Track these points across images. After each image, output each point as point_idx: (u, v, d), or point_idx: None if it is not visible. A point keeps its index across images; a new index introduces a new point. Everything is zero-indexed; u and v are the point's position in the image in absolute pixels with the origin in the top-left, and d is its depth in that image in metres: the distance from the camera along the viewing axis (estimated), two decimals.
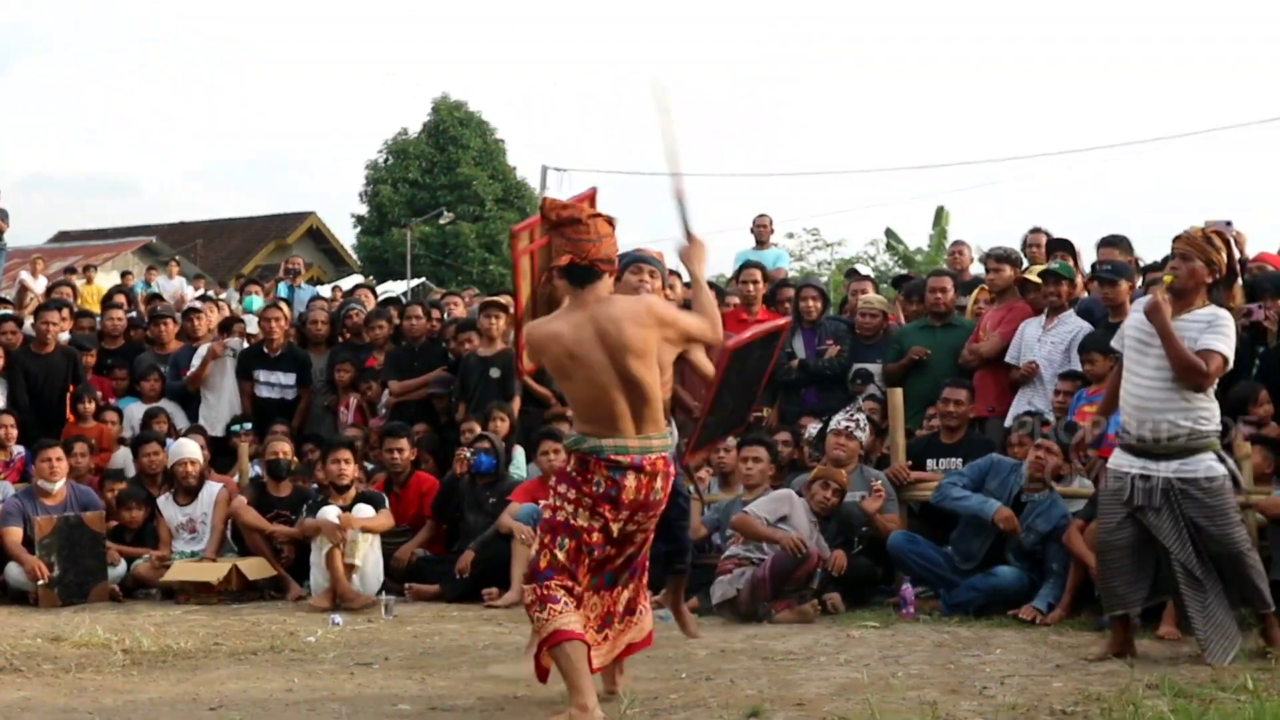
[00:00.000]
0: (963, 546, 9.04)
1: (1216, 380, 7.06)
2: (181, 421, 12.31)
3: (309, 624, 8.87)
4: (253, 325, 13.57)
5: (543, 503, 6.09)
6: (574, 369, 5.68)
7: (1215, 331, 6.95)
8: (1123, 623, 7.19)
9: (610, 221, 5.82)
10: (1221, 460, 7.02)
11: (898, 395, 9.97)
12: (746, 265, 12.08)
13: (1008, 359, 10.25)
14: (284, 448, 10.97)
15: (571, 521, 5.77)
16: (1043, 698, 6.25)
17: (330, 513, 9.83)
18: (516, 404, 11.27)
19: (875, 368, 10.99)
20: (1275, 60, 73.20)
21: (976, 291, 11.40)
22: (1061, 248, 11.17)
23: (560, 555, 5.76)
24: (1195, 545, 6.92)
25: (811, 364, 11.12)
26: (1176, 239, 7.17)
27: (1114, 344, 7.42)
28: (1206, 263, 6.99)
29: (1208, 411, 7.00)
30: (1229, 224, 11.87)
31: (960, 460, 9.63)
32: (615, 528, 5.76)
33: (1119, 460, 7.12)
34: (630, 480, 5.68)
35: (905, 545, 9.05)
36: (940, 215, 31.64)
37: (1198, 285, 7.02)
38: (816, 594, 8.84)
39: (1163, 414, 6.93)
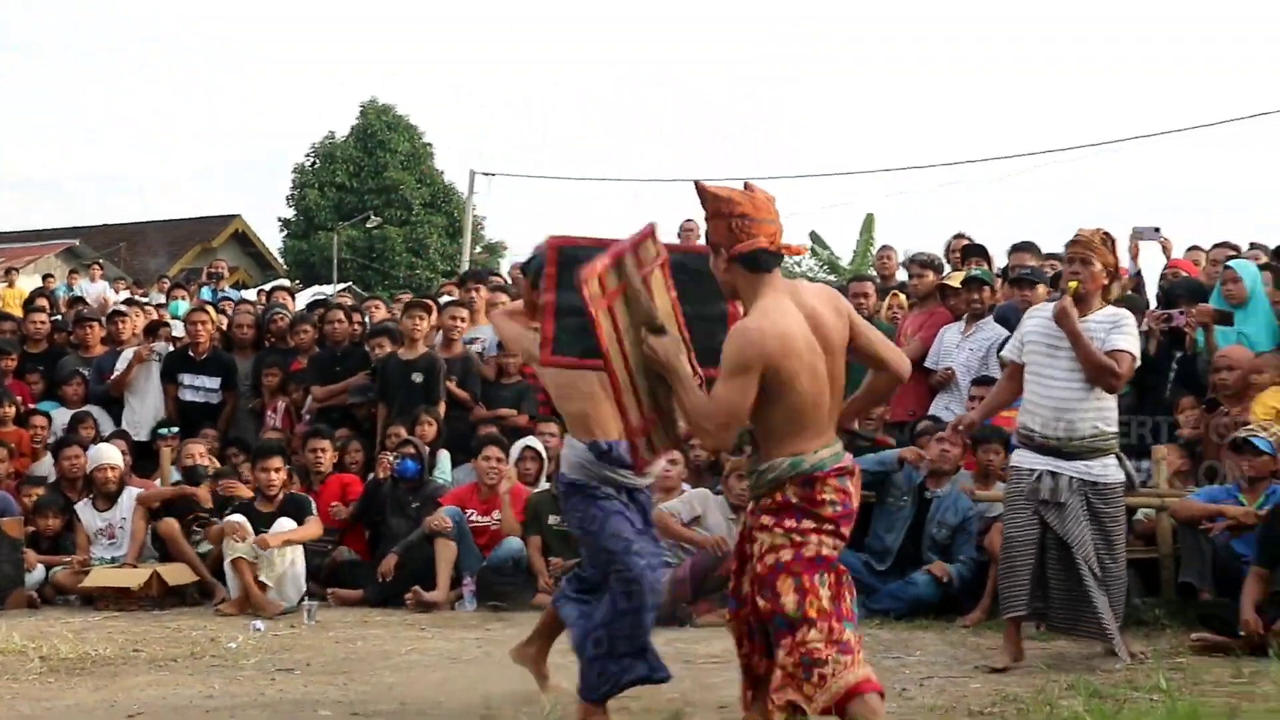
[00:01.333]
0: (877, 544, 9.15)
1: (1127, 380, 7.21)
2: (107, 426, 12.18)
3: (230, 630, 8.81)
4: (178, 328, 13.45)
5: (763, 545, 4.91)
6: (799, 371, 4.80)
7: (1121, 331, 7.07)
8: (1018, 625, 7.21)
9: (769, 196, 5.04)
10: (1121, 464, 7.17)
11: None
12: None
13: (927, 364, 10.34)
14: (199, 451, 10.87)
15: (824, 553, 4.87)
16: (961, 699, 6.34)
17: (237, 518, 9.78)
18: (442, 409, 11.23)
19: None
20: (1191, 69, 74.23)
21: (889, 297, 11.49)
22: (977, 253, 11.30)
23: (825, 596, 4.82)
24: (1088, 542, 7.03)
25: None
26: (1073, 243, 7.23)
27: (1007, 353, 7.50)
28: (1104, 265, 7.11)
29: (1112, 413, 7.13)
30: (1157, 230, 12.11)
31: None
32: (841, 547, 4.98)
33: (1025, 459, 7.18)
34: (851, 485, 4.92)
35: None
36: (869, 222, 31.85)
37: (1098, 287, 7.14)
38: None
39: (1078, 414, 7.02)
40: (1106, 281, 7.18)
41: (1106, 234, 7.20)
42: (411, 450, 10.48)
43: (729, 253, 4.87)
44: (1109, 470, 7.08)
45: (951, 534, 8.91)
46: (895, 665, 7.23)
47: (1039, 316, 7.31)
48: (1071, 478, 7.01)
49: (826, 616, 4.77)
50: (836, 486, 4.85)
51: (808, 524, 4.83)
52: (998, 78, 77.03)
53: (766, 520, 4.88)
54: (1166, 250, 11.94)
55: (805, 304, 4.88)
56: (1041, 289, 10.25)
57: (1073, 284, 7.10)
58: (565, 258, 5.53)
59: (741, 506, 9.24)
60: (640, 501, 6.17)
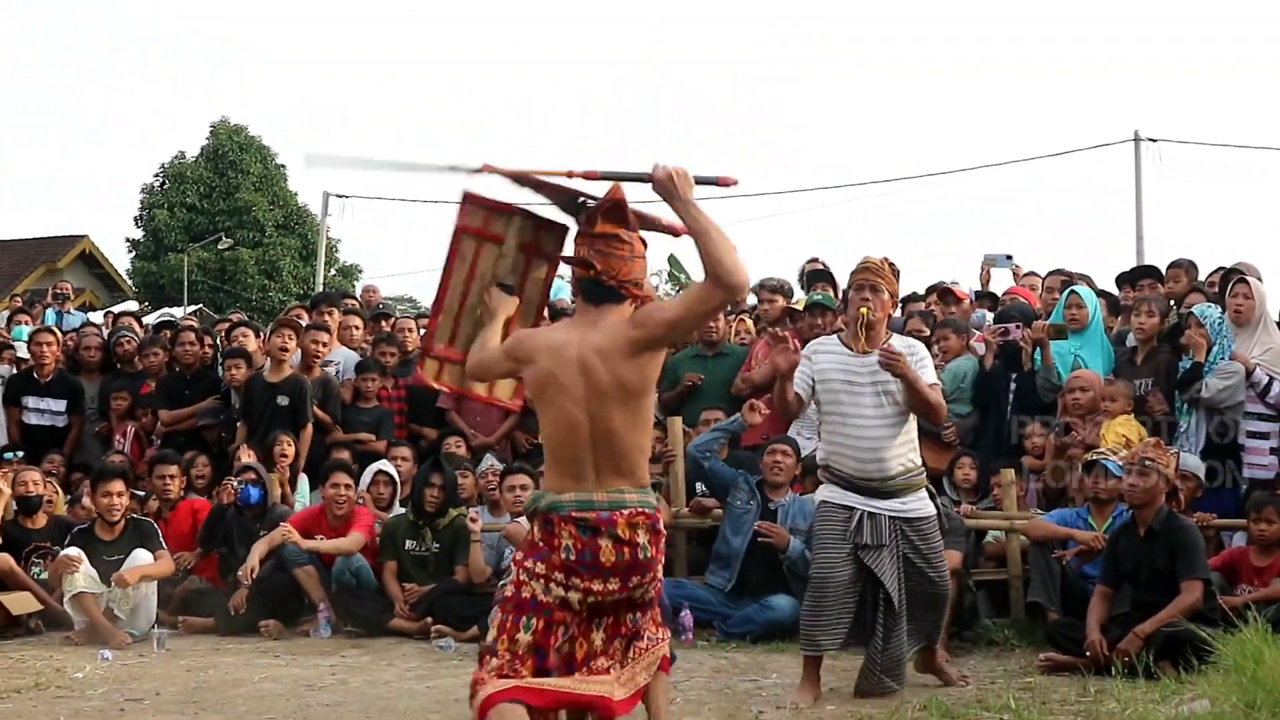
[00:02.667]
0: (723, 549, 9.25)
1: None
2: None
3: (76, 659, 8.59)
4: (22, 350, 13.13)
5: (502, 582, 4.91)
6: (553, 395, 4.73)
7: (925, 364, 6.96)
8: (816, 663, 7.01)
9: (645, 243, 4.92)
10: (932, 498, 7.08)
11: (677, 423, 10.15)
12: None
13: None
14: (33, 478, 10.53)
15: (541, 598, 4.67)
16: None
17: (71, 552, 9.54)
18: (309, 432, 11.07)
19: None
20: (1051, 98, 76.11)
21: (736, 322, 11.62)
22: (822, 279, 11.47)
23: (524, 639, 4.64)
24: (900, 582, 6.91)
25: None
26: (861, 270, 7.01)
27: (798, 386, 7.02)
28: (891, 292, 7.04)
29: (915, 447, 7.02)
30: (1009, 257, 12.40)
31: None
32: (601, 587, 4.68)
33: (836, 495, 6.98)
34: (605, 542, 4.62)
35: (673, 592, 9.10)
36: (676, 263, 32.08)
37: (886, 315, 7.03)
38: None
39: (889, 452, 6.85)
40: (892, 310, 7.14)
41: (891, 262, 7.14)
42: (253, 476, 10.30)
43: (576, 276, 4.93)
44: (923, 504, 6.96)
45: (807, 537, 8.98)
46: (751, 688, 7.29)
47: (830, 353, 7.06)
48: (890, 517, 6.87)
49: (515, 660, 4.62)
50: (576, 535, 4.63)
51: (540, 566, 4.69)
52: (851, 102, 78.21)
53: (519, 555, 4.86)
54: (1017, 277, 12.24)
55: (593, 343, 4.70)
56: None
57: (863, 310, 6.89)
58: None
59: None
60: None
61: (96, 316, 19.09)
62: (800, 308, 10.76)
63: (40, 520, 10.39)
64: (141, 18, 77.72)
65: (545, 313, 5.80)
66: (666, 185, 4.67)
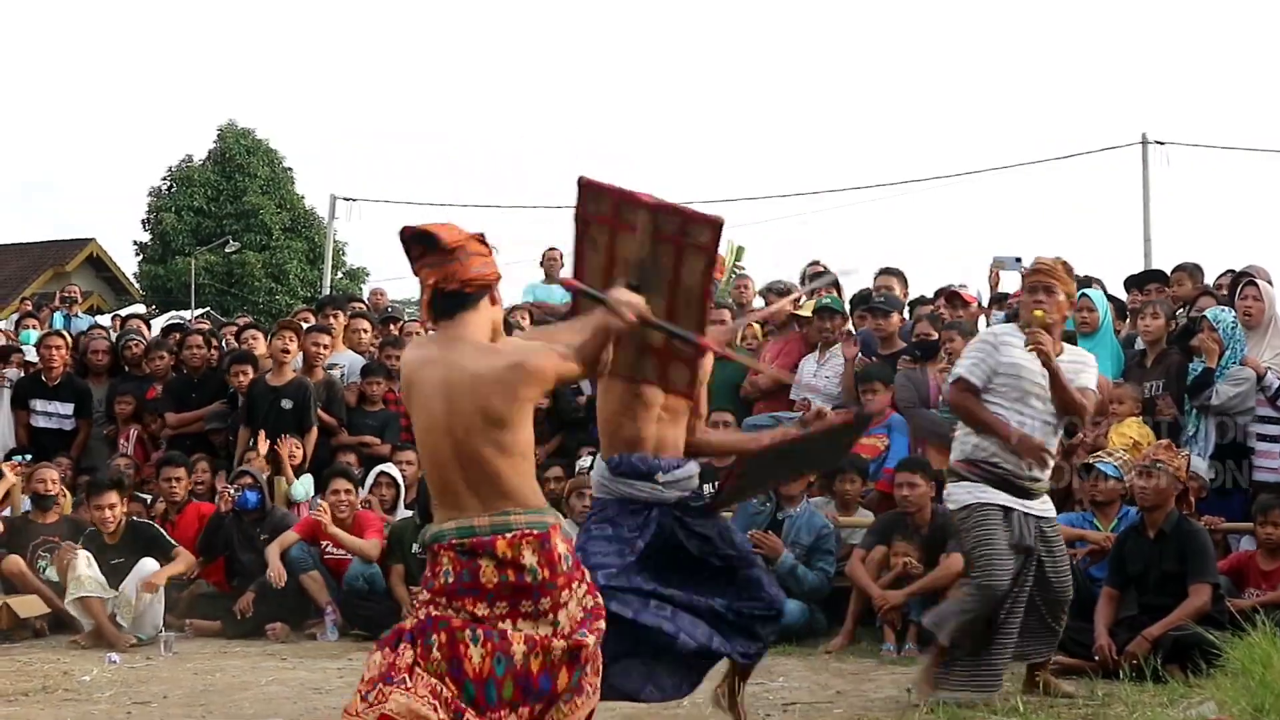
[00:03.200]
0: None
1: None
2: None
3: (84, 662, 8.62)
4: (31, 354, 13.14)
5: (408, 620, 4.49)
6: (419, 422, 4.46)
7: (1087, 372, 6.83)
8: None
9: (483, 240, 4.53)
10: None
11: None
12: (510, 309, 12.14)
13: (791, 396, 10.47)
14: (51, 476, 10.58)
15: (434, 613, 4.37)
16: None
17: (81, 560, 9.55)
18: (314, 435, 11.07)
19: None
20: (1039, 106, 76.05)
21: (744, 327, 11.61)
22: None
23: (435, 658, 4.31)
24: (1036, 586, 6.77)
25: (597, 399, 11.14)
26: (1034, 271, 6.83)
27: (971, 376, 6.75)
28: (1067, 294, 6.81)
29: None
30: (1019, 260, 12.36)
31: None
32: (489, 626, 4.32)
33: (988, 494, 6.68)
34: (486, 562, 4.30)
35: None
36: (737, 252, 31.97)
37: (1062, 318, 6.86)
38: None
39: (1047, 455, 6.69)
40: (1068, 311, 6.95)
41: (1066, 262, 6.88)
42: (250, 480, 10.30)
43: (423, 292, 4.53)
44: (1050, 506, 6.87)
45: (807, 553, 8.98)
46: (759, 691, 7.26)
47: (1017, 345, 6.71)
48: (1035, 518, 6.71)
49: (377, 681, 4.27)
50: (456, 559, 4.33)
51: (424, 594, 4.44)
52: (860, 105, 78.23)
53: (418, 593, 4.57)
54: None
55: (455, 363, 4.36)
56: (895, 317, 10.53)
57: (1038, 313, 6.64)
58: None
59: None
60: (662, 522, 5.85)
61: (104, 320, 19.09)
62: (805, 313, 10.75)
63: (51, 517, 10.41)
64: (149, 20, 77.86)
65: (709, 310, 5.58)
66: (624, 314, 4.51)
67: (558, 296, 14.13)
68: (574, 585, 4.44)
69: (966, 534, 6.73)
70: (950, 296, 11.26)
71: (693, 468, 6.04)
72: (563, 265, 15.21)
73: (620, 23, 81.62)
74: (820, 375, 10.38)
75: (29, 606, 9.89)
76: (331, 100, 79.88)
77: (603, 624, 4.51)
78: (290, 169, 46.23)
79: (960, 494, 6.77)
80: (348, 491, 9.96)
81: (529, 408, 4.38)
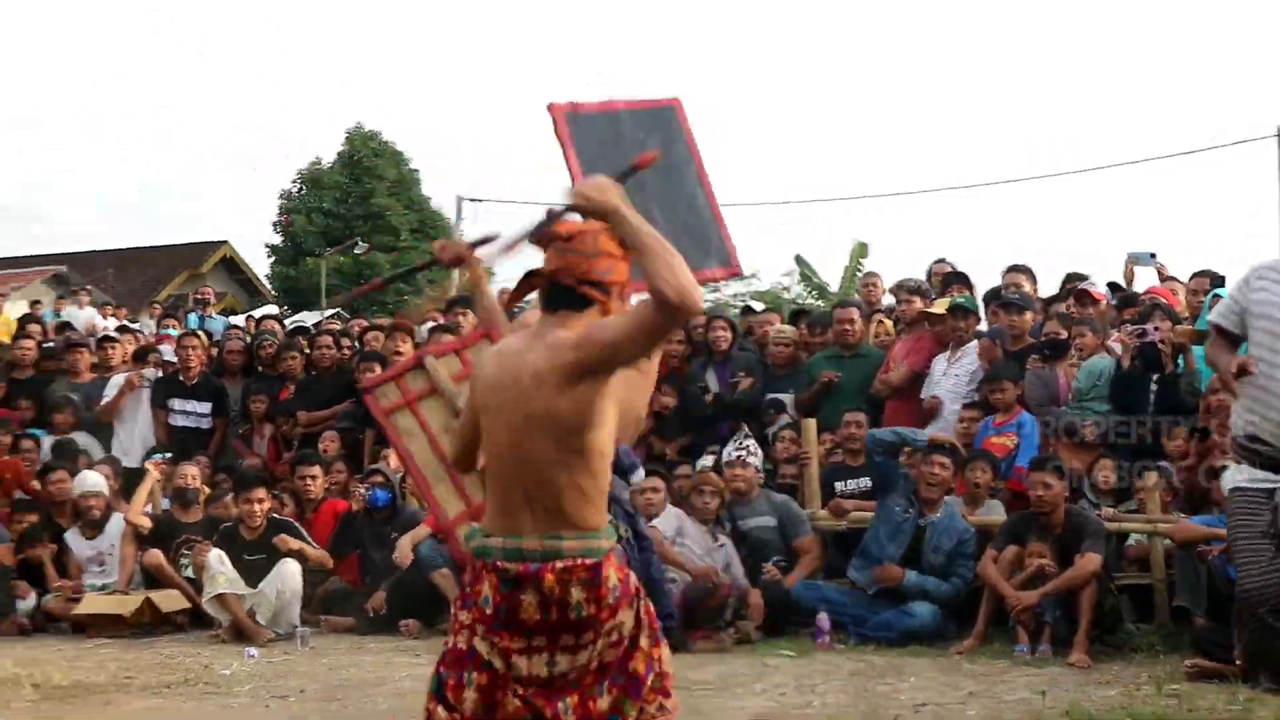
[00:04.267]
0: (875, 550, 9.14)
1: None
2: (96, 452, 12.14)
3: (223, 656, 8.79)
4: (168, 354, 13.42)
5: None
6: (488, 417, 3.97)
7: None
8: None
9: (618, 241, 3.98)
10: None
11: (811, 425, 10.14)
12: None
13: (923, 395, 10.40)
14: (192, 472, 10.83)
15: (478, 649, 3.89)
16: None
17: (214, 558, 9.76)
18: None
19: (787, 398, 11.07)
20: (1172, 99, 74.64)
21: (875, 324, 11.54)
22: (958, 280, 11.36)
23: (470, 699, 3.86)
24: None
25: (725, 397, 11.16)
26: None
27: (1220, 319, 6.01)
28: None
29: None
30: (1153, 255, 12.16)
31: (868, 480, 9.81)
32: (526, 662, 3.85)
33: (1258, 478, 5.84)
34: (529, 597, 3.82)
35: (808, 594, 9.10)
36: (860, 249, 31.80)
37: None
38: (731, 622, 8.89)
39: None
40: None
41: None
42: (380, 479, 10.43)
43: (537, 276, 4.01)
44: None
45: (948, 559, 8.92)
46: (888, 691, 7.24)
47: (1272, 281, 5.79)
48: None
49: None
50: (497, 588, 3.84)
51: (465, 616, 3.93)
52: (986, 102, 77.33)
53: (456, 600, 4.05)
54: (1161, 276, 12.02)
55: (531, 358, 3.89)
56: (1029, 315, 10.42)
57: None
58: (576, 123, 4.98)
59: (706, 520, 9.28)
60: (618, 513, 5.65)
61: (238, 320, 19.46)
62: (938, 310, 10.66)
63: (192, 515, 10.64)
64: (280, 27, 79.23)
65: None
66: (588, 201, 3.89)
67: None
68: (620, 610, 3.90)
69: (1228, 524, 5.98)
70: (1080, 294, 11.10)
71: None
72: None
73: (755, 16, 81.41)
74: (950, 374, 10.30)
75: (170, 601, 10.13)
76: (457, 102, 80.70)
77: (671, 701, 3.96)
78: (417, 171, 46.76)
79: (1226, 477, 6.03)
80: None
81: (601, 403, 3.83)
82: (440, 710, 3.86)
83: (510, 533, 3.85)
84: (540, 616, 3.81)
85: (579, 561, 3.83)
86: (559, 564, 3.81)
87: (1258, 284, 5.80)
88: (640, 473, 5.41)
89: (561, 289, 3.92)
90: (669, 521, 9.28)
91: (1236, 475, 5.83)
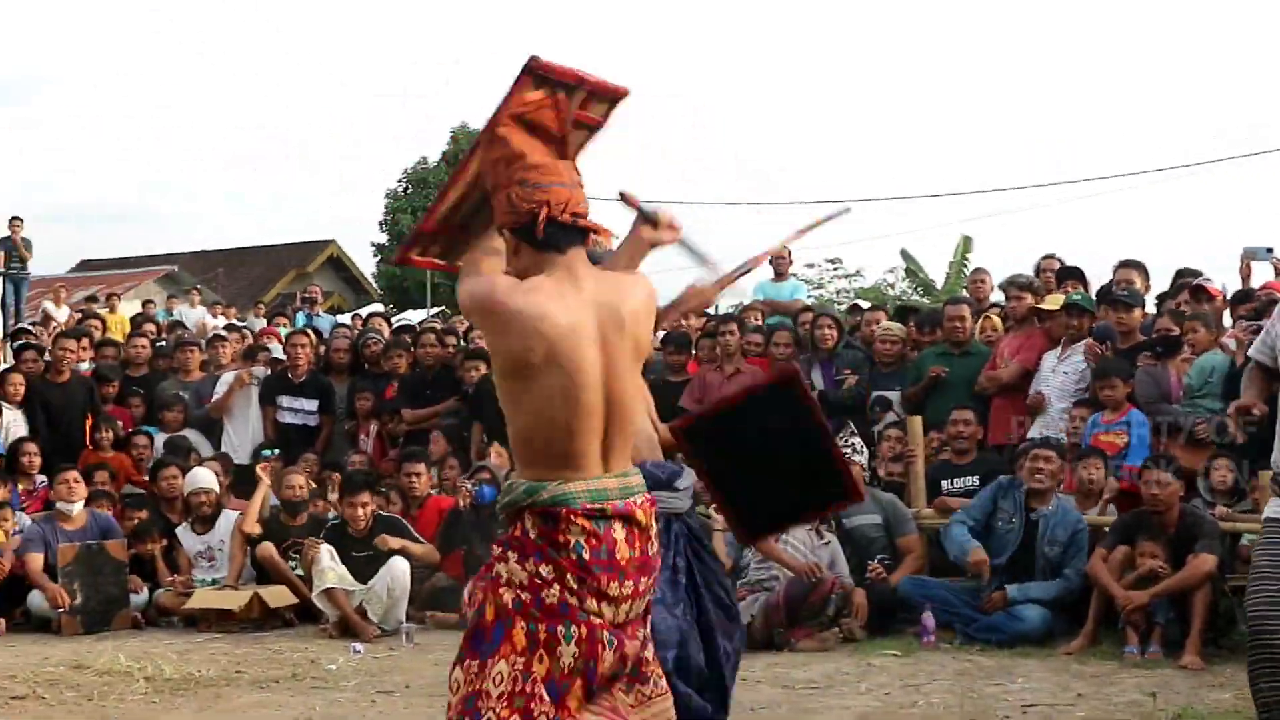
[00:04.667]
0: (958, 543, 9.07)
1: None
2: (205, 450, 12.33)
3: (330, 651, 8.89)
4: (277, 351, 13.59)
5: (480, 590, 3.84)
6: (546, 372, 3.74)
7: None
8: None
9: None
10: None
11: (917, 422, 10.05)
12: (724, 318, 12.11)
13: (1030, 391, 10.27)
14: (299, 481, 10.95)
15: (569, 603, 3.71)
16: None
17: (324, 554, 9.85)
18: None
19: (894, 395, 10.99)
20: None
21: (983, 320, 11.41)
22: (1072, 276, 11.20)
23: (569, 652, 3.69)
24: None
25: (830, 395, 11.10)
26: None
27: (1255, 353, 5.72)
28: None
29: None
30: (1270, 250, 11.91)
31: (976, 479, 9.69)
32: (613, 610, 3.74)
33: None
34: (619, 532, 3.76)
35: (915, 591, 9.01)
36: (965, 244, 31.50)
37: None
38: (835, 621, 8.82)
39: None
40: None
41: None
42: (487, 475, 10.48)
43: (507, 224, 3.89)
44: None
45: (1064, 550, 8.79)
46: (997, 692, 7.16)
47: None
48: None
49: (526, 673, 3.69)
50: (590, 529, 3.72)
51: (546, 570, 3.73)
52: (1093, 96, 76.28)
53: (499, 557, 3.84)
54: (1278, 270, 11.77)
55: (611, 299, 3.84)
56: (1138, 312, 10.24)
57: None
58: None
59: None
60: (679, 531, 5.28)
61: (345, 319, 19.67)
62: (1050, 306, 10.51)
63: (300, 519, 10.76)
64: (385, 26, 80.00)
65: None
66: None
67: (786, 293, 14.13)
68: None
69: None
70: (1195, 290, 10.91)
71: (691, 475, 5.48)
72: (791, 262, 15.14)
73: (858, 6, 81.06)
74: (1059, 371, 10.15)
75: (279, 597, 10.26)
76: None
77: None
78: None
79: (1269, 509, 5.54)
80: None
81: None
82: (535, 665, 3.67)
83: (585, 479, 3.75)
84: (629, 554, 3.76)
85: (648, 496, 3.87)
86: (637, 499, 3.81)
87: None
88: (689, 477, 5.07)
89: (559, 227, 3.82)
90: None
91: (1272, 508, 5.39)
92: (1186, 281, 11.07)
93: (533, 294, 3.75)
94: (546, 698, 3.64)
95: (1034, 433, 10.03)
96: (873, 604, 9.05)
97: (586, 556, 3.71)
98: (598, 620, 3.70)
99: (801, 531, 9.06)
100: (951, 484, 9.90)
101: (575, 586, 3.70)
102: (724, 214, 55.19)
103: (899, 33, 76.31)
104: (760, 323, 12.50)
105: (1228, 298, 11.04)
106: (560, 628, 3.68)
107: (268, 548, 10.44)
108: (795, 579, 8.76)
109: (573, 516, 3.72)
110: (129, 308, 24.02)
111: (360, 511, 10.10)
